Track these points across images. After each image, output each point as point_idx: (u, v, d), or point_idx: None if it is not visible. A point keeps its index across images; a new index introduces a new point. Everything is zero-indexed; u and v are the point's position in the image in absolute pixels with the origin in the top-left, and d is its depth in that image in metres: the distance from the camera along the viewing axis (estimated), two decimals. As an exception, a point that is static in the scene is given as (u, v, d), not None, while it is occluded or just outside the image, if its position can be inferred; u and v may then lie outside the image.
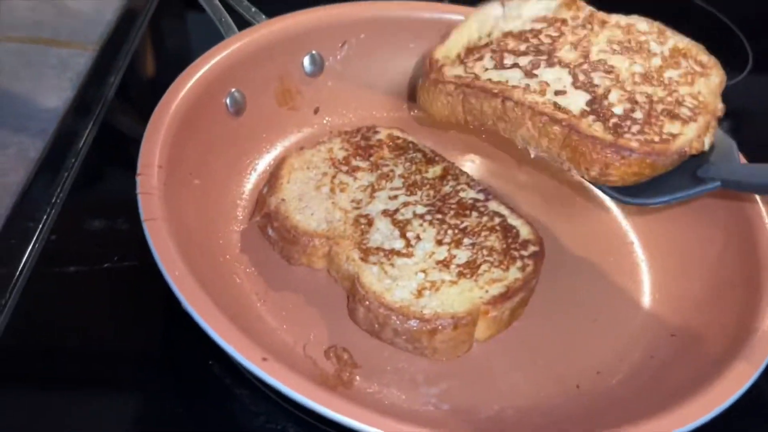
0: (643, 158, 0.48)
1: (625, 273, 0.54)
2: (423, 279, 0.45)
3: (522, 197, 0.55)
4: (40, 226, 0.48)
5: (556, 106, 0.51)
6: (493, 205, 0.51)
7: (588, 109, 0.51)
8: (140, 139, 0.47)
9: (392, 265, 0.45)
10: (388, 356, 0.45)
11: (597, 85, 0.53)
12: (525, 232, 0.50)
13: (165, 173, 0.44)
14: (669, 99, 0.52)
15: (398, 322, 0.43)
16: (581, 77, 0.53)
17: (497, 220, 0.50)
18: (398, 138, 0.56)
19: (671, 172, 0.50)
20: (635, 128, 0.50)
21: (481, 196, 0.51)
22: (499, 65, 0.55)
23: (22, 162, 0.50)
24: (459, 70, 0.56)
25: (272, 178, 0.51)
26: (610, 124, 0.50)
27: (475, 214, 0.50)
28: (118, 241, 0.49)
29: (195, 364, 0.44)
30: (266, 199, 0.49)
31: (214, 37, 0.57)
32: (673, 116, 0.50)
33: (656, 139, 0.49)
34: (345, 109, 0.60)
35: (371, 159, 0.52)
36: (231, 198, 0.52)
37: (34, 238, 0.48)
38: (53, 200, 0.50)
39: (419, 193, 0.50)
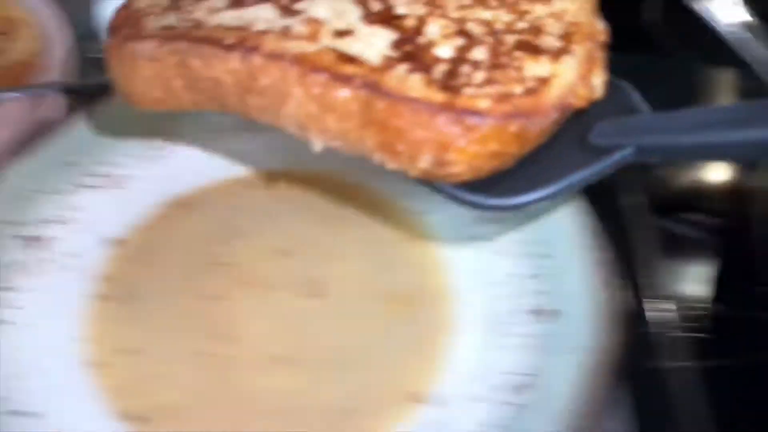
0: (502, 126, 0.27)
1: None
2: None
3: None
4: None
5: (341, 56, 0.29)
6: None
7: (395, 54, 0.29)
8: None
9: None
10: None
11: (403, 16, 0.31)
12: None
13: None
14: (521, 25, 0.31)
15: None
16: (375, 6, 0.31)
17: None
18: None
19: (548, 147, 0.30)
20: (479, 76, 0.28)
21: None
22: (237, 2, 0.32)
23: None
24: (170, 19, 0.32)
25: None
26: (437, 75, 0.28)
27: None
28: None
29: None
30: None
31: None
32: (534, 50, 0.30)
33: (518, 89, 0.28)
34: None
35: None
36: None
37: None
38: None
39: None
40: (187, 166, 0.40)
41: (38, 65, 0.50)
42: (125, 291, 0.36)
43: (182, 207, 0.39)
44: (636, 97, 0.32)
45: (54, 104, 0.48)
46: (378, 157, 0.29)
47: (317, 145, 0.30)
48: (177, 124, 0.40)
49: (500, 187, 0.29)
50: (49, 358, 0.33)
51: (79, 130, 0.39)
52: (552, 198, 0.29)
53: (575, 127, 0.30)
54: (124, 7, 0.34)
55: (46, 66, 0.50)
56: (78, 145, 0.39)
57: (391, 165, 0.29)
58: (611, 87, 0.32)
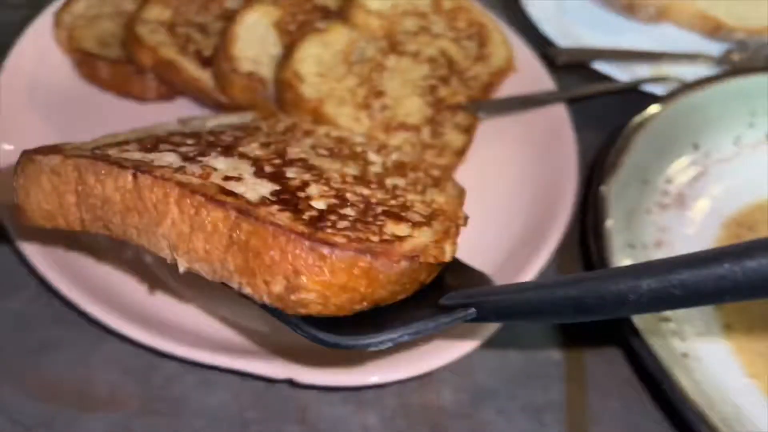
0: (351, 260, 0.29)
1: None
2: None
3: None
4: None
5: (223, 190, 0.32)
6: None
7: (273, 198, 0.32)
8: None
9: None
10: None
11: (291, 178, 0.35)
12: None
13: None
14: (393, 202, 0.35)
15: None
16: (268, 169, 0.35)
17: None
18: None
19: (402, 305, 0.32)
20: (343, 224, 0.31)
21: None
22: (149, 149, 0.36)
23: None
24: (84, 151, 0.35)
25: None
26: (305, 217, 0.31)
27: None
28: None
29: None
30: None
31: None
32: (398, 218, 0.33)
33: (374, 238, 0.31)
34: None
35: None
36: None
37: None
38: None
39: None
40: (731, 186, 0.42)
41: (512, 70, 0.51)
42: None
43: (740, 227, 0.41)
44: (490, 281, 0.35)
45: (556, 114, 0.48)
46: (237, 280, 0.30)
47: (182, 266, 0.31)
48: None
49: (349, 328, 0.30)
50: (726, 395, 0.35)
51: (640, 144, 0.41)
52: (396, 342, 0.30)
53: (432, 295, 0.32)
54: (50, 145, 0.37)
55: (516, 71, 0.51)
56: (646, 160, 0.41)
57: (247, 289, 0.30)
58: (476, 275, 0.35)
